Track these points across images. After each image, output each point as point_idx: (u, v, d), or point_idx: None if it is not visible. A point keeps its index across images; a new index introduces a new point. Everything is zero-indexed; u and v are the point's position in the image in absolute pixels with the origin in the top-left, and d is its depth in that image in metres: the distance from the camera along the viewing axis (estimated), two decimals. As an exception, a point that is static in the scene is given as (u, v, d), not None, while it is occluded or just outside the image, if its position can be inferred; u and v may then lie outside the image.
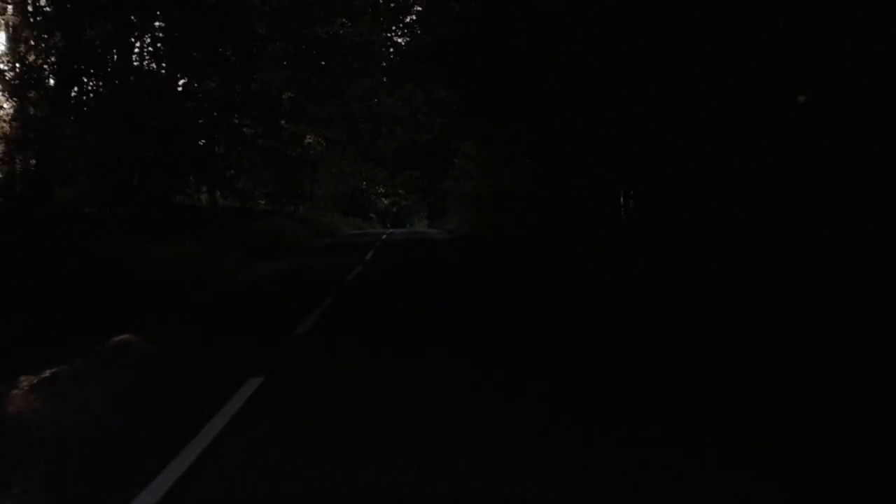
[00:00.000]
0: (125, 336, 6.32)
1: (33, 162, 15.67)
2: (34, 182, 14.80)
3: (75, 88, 16.79)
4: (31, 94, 14.85)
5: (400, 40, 18.27)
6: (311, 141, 25.93)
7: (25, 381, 4.68)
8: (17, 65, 14.90)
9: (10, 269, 7.94)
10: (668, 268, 9.22)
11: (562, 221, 15.14)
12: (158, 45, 17.02)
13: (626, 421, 3.42)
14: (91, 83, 17.24)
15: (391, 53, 18.21)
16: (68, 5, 14.78)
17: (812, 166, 8.24)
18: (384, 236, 24.69)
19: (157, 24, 16.20)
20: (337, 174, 32.81)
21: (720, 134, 9.86)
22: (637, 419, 3.45)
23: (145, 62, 18.19)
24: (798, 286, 6.73)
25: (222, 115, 19.78)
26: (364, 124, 23.10)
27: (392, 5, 16.17)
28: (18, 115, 14.80)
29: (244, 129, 21.53)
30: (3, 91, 14.74)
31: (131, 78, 16.44)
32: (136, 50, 17.68)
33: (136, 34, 16.97)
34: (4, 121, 14.78)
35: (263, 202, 30.84)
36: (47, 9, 15.42)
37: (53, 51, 15.22)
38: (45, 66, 15.54)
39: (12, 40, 15.39)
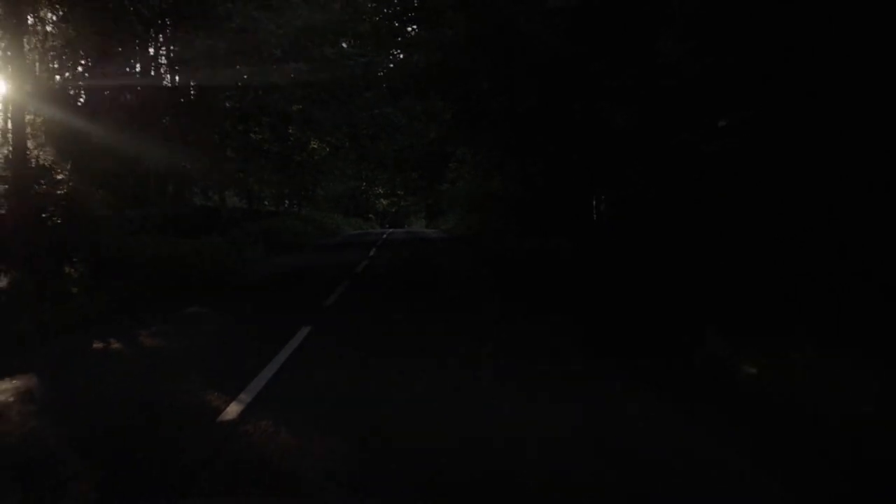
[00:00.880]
0: (195, 308, 8.48)
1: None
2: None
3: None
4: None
5: (401, 54, 20.38)
6: (315, 146, 28.10)
7: (141, 333, 6.83)
8: (57, 77, 16.98)
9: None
10: (627, 257, 11.38)
11: (543, 222, 17.28)
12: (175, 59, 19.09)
13: (536, 329, 5.60)
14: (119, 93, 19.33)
15: (391, 66, 20.34)
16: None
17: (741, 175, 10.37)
18: (385, 236, 26.90)
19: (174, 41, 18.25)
20: (339, 176, 34.97)
21: (672, 149, 12.02)
22: (542, 329, 5.63)
23: (162, 70, 20.24)
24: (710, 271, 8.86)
25: (235, 124, 21.96)
26: (366, 130, 25.31)
27: (395, 24, 18.27)
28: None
29: (252, 135, 23.71)
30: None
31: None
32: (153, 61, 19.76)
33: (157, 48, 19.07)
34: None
35: (267, 203, 33.03)
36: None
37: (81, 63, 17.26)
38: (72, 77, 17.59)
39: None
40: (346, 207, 46.21)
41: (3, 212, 11.43)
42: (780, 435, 3.40)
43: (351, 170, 34.80)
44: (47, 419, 3.98)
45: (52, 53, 17.75)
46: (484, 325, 6.66)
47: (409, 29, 17.75)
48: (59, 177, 12.60)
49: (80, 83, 18.09)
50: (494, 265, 13.06)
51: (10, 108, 14.99)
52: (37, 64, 16.25)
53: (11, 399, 4.37)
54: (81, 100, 16.77)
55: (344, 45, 19.52)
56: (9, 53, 13.13)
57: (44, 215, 11.87)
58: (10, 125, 14.65)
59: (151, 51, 16.31)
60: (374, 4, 19.05)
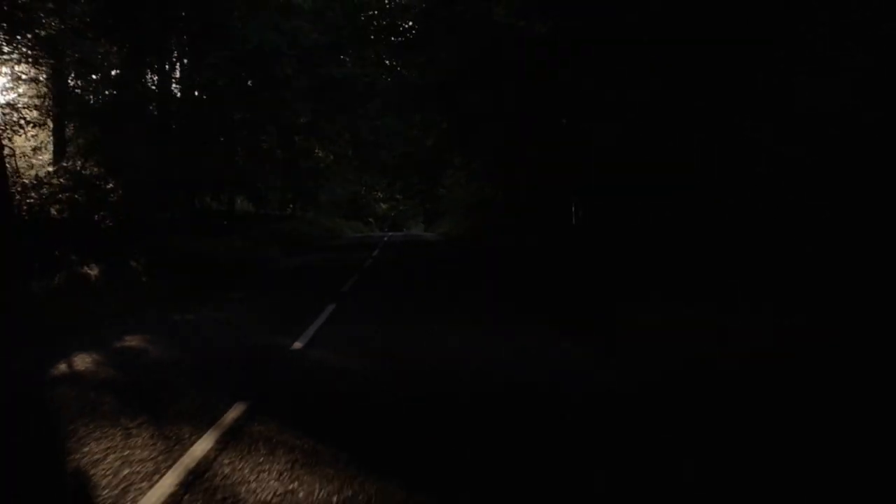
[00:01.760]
0: (237, 294, 10.82)
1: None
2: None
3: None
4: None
5: (400, 68, 22.78)
6: (319, 153, 30.52)
7: (205, 308, 9.18)
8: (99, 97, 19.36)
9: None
10: (592, 254, 13.73)
11: (529, 225, 19.65)
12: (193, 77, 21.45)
13: (522, 305, 7.97)
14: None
15: (392, 83, 22.75)
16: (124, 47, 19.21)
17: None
18: (385, 238, 29.30)
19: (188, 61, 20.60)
20: (341, 182, 37.38)
21: (640, 165, 14.36)
22: (520, 304, 7.99)
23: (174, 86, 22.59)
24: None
25: (246, 134, 24.33)
26: (368, 138, 27.75)
27: (394, 48, 20.68)
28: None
29: (262, 145, 26.09)
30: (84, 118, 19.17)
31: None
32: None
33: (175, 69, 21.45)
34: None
35: (276, 207, 35.41)
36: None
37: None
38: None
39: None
40: (347, 211, 48.59)
41: (64, 216, 13.82)
42: (622, 350, 5.76)
43: (352, 175, 37.22)
44: (174, 353, 6.30)
45: (83, 71, 20.12)
46: (464, 303, 9.04)
47: (407, 49, 20.14)
48: (109, 186, 15.03)
49: (107, 95, 20.46)
50: (481, 263, 15.44)
51: (53, 125, 17.44)
52: (76, 82, 18.64)
53: (143, 345, 6.71)
54: (111, 113, 19.07)
55: (348, 63, 21.93)
56: (50, 74, 15.49)
57: (96, 218, 14.31)
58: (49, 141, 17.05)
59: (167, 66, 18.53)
60: (375, 26, 21.47)
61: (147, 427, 3.91)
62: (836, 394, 4.31)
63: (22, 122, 13.70)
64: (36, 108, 14.80)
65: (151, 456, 3.44)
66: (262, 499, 2.93)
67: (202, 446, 3.56)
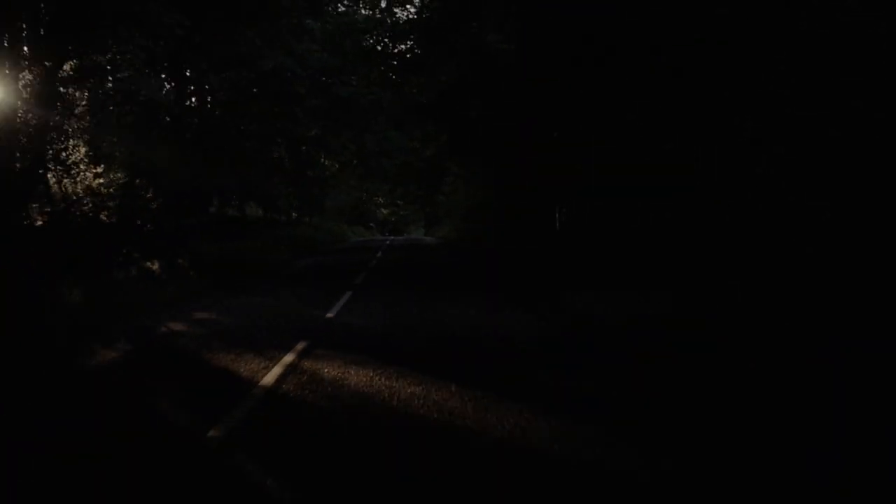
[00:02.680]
0: (268, 286, 13.43)
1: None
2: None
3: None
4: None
5: (402, 83, 25.48)
6: (325, 163, 33.21)
7: (247, 295, 11.79)
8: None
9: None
10: (568, 254, 16.33)
11: (518, 229, 22.28)
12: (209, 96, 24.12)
13: (491, 293, 10.60)
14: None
15: (395, 100, 25.46)
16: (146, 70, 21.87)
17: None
18: (387, 242, 31.97)
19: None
20: (345, 189, 40.09)
21: (617, 175, 16.97)
22: (494, 295, 10.62)
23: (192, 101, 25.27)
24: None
25: (259, 146, 27.02)
26: (372, 149, 30.45)
27: (398, 69, 23.40)
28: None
29: (273, 155, 28.79)
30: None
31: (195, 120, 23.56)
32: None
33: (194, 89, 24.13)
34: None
35: (284, 213, 38.14)
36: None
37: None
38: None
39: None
40: (350, 217, 51.29)
41: (114, 220, 16.45)
42: (554, 316, 8.37)
43: (356, 182, 39.94)
44: (241, 321, 8.89)
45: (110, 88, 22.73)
46: (455, 291, 11.66)
47: (408, 70, 22.87)
48: (149, 195, 17.68)
49: (139, 113, 23.10)
50: (472, 262, 18.09)
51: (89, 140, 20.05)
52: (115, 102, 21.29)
53: (214, 316, 9.31)
54: (144, 130, 21.73)
55: (354, 82, 24.61)
56: (84, 94, 18.12)
57: (138, 223, 16.94)
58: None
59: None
60: (380, 50, 24.21)
61: (250, 352, 6.53)
62: (672, 342, 6.93)
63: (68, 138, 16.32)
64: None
65: (260, 363, 6.05)
66: (331, 374, 5.55)
67: (288, 358, 6.18)
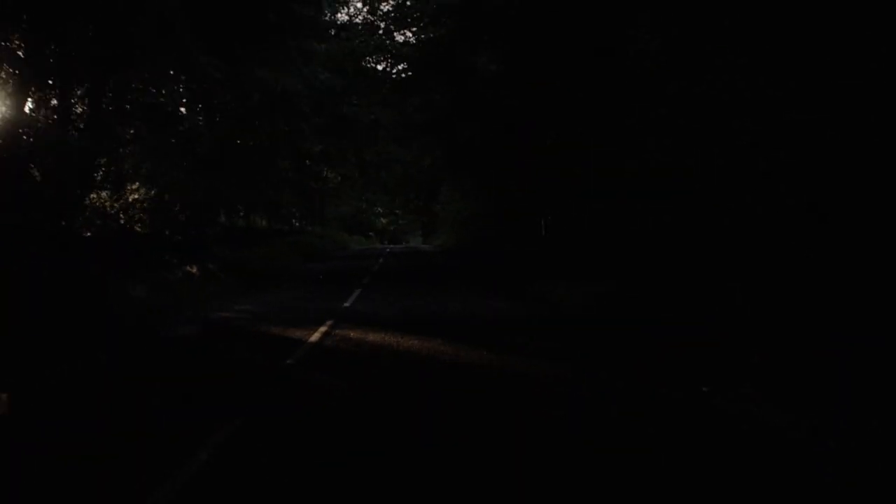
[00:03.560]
0: (287, 286, 15.99)
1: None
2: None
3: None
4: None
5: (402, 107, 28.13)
6: (328, 175, 35.88)
7: (274, 293, 14.35)
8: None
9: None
10: (552, 257, 18.89)
11: (508, 235, 24.88)
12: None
13: (478, 287, 13.19)
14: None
15: (393, 117, 28.11)
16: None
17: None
18: (387, 249, 34.58)
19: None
20: (346, 200, 42.76)
21: (595, 186, 19.56)
22: (480, 288, 13.21)
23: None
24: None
25: (267, 160, 29.66)
26: (372, 161, 33.11)
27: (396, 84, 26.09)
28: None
29: (279, 169, 31.43)
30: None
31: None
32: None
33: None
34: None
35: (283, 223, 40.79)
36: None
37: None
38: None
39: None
40: (350, 226, 53.90)
41: (148, 231, 19.02)
42: (526, 304, 10.93)
43: (356, 193, 42.61)
44: (275, 309, 11.43)
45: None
46: (447, 288, 14.22)
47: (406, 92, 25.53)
48: (177, 208, 20.27)
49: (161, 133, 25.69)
50: (464, 266, 20.68)
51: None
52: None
53: (253, 308, 11.86)
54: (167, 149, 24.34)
55: (355, 101, 27.26)
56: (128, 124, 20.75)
57: (167, 233, 19.51)
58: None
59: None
60: (380, 71, 26.88)
61: (292, 326, 9.09)
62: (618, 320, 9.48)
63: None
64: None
65: (303, 332, 8.60)
66: (354, 336, 8.12)
67: (322, 328, 8.74)
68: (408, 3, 23.33)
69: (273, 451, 4.08)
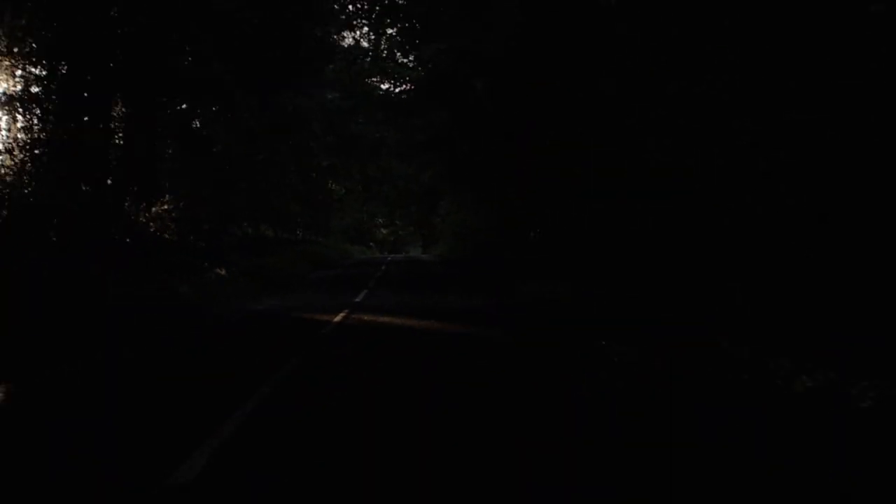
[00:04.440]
0: (303, 288, 18.73)
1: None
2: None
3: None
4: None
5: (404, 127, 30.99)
6: (333, 187, 38.75)
7: (293, 295, 17.09)
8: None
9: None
10: (532, 263, 21.62)
11: (504, 245, 27.64)
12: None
13: (467, 288, 15.97)
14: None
15: (396, 135, 30.99)
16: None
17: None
18: (388, 259, 37.38)
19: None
20: (349, 211, 45.62)
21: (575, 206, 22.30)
22: (468, 289, 15.99)
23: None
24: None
25: (277, 174, 32.49)
26: (375, 176, 35.97)
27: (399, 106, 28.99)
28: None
29: (288, 182, 34.28)
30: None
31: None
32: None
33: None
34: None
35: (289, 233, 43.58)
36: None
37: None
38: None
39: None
40: (352, 237, 56.72)
41: (175, 238, 21.78)
42: (502, 301, 13.68)
43: (359, 205, 45.50)
44: (299, 304, 14.17)
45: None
46: (442, 290, 16.97)
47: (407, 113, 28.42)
48: (201, 218, 23.05)
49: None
50: (458, 272, 23.48)
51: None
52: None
53: (279, 302, 14.61)
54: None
55: (361, 120, 30.17)
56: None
57: (192, 238, 22.26)
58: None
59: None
60: (385, 90, 29.79)
61: (317, 314, 11.85)
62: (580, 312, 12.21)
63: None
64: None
65: (327, 317, 11.36)
66: (367, 319, 10.89)
67: (341, 315, 11.52)
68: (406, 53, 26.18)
69: (323, 374, 6.88)
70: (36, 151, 15.97)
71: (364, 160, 30.94)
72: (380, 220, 62.49)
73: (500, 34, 19.17)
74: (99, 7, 16.86)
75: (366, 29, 28.59)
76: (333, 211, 43.56)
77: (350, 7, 27.30)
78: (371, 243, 64.84)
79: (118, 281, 13.24)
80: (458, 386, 6.07)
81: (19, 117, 16.71)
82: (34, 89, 16.79)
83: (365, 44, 30.54)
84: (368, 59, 31.40)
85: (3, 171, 15.19)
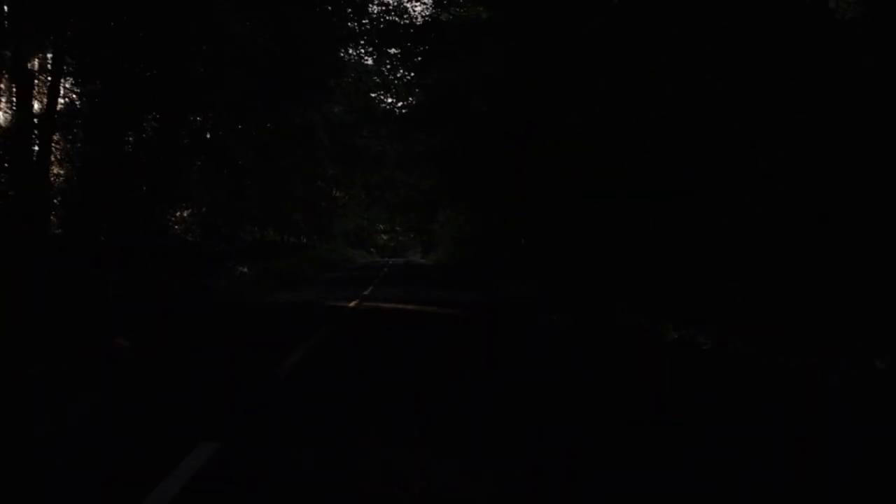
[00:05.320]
0: (315, 286, 21.59)
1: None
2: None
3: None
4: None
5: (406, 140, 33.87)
6: (336, 194, 41.64)
7: (307, 291, 19.97)
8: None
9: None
10: (522, 265, 24.47)
11: (492, 252, 30.50)
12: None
13: (458, 286, 18.87)
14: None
15: (398, 148, 33.87)
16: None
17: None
18: (389, 262, 40.36)
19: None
20: (351, 217, 48.53)
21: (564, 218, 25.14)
22: (458, 287, 18.87)
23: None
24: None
25: (281, 181, 35.34)
26: (377, 184, 38.87)
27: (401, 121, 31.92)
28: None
29: (293, 190, 37.15)
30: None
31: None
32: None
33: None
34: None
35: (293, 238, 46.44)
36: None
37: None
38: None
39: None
40: (353, 242, 59.63)
41: (197, 240, 24.65)
42: (486, 296, 16.55)
43: (360, 211, 48.40)
44: (315, 297, 17.02)
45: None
46: (436, 287, 19.84)
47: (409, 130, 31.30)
48: (220, 222, 25.96)
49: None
50: (453, 274, 26.40)
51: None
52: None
53: (297, 296, 17.47)
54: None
55: (366, 133, 33.02)
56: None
57: (210, 241, 25.13)
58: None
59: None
60: (388, 104, 32.72)
61: (334, 302, 14.79)
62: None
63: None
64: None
65: (343, 304, 14.31)
66: (374, 305, 13.82)
67: (353, 303, 14.52)
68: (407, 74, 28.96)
69: (349, 331, 9.85)
70: (77, 165, 18.79)
71: (367, 169, 33.78)
72: (381, 226, 65.43)
73: (492, 68, 22.02)
74: (128, 31, 19.77)
75: (370, 48, 31.40)
76: (337, 217, 46.43)
77: (357, 28, 30.19)
78: (372, 248, 67.78)
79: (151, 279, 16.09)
80: (441, 336, 9.19)
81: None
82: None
83: (370, 61, 33.43)
84: (375, 79, 34.29)
85: (59, 181, 18.06)
